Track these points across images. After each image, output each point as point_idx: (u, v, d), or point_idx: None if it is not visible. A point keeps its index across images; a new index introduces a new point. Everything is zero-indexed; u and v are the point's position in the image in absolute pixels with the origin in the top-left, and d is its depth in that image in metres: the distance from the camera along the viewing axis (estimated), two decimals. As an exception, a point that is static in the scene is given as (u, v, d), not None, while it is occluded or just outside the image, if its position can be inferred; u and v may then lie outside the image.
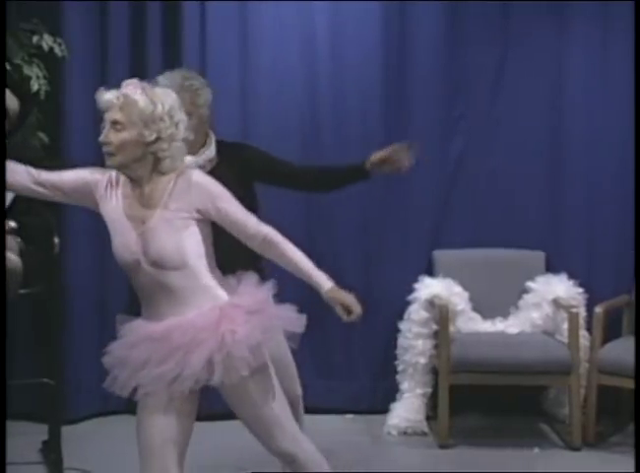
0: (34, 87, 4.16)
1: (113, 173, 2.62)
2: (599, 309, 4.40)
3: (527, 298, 4.63)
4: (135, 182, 2.59)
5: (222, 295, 2.59)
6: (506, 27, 4.80)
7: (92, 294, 4.71)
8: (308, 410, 4.29)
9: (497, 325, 4.61)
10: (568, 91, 4.79)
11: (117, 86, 4.74)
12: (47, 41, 4.23)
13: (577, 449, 4.29)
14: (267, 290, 2.60)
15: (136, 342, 2.56)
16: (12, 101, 3.82)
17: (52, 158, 4.17)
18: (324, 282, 2.62)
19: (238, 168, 3.18)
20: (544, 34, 4.79)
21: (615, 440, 4.43)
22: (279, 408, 2.64)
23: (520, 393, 4.63)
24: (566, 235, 4.79)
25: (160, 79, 3.04)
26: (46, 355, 4.11)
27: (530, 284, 4.64)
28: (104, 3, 4.65)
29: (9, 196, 3.79)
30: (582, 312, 4.49)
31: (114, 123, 2.53)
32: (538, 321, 4.56)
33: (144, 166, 2.56)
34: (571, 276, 4.61)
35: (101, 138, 2.55)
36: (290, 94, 4.76)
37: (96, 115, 4.59)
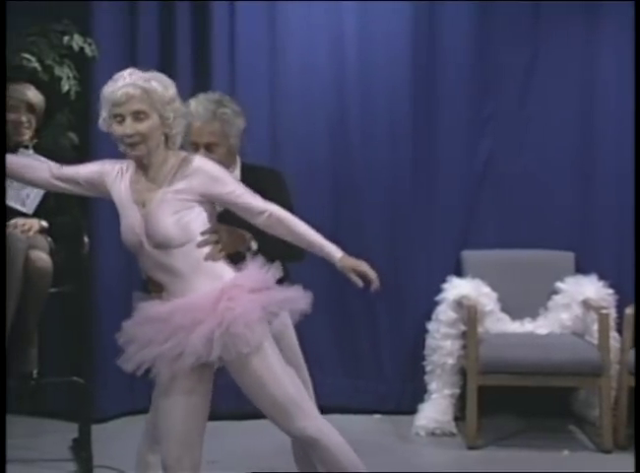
0: (65, 87, 4.20)
1: (124, 163, 2.69)
2: (629, 311, 4.36)
3: (556, 298, 4.60)
4: (143, 168, 2.66)
5: (226, 275, 2.63)
6: (536, 26, 4.78)
7: (121, 293, 4.72)
8: (336, 409, 4.33)
9: (526, 326, 4.58)
10: (599, 91, 4.76)
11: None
12: (78, 42, 4.26)
13: (608, 452, 4.25)
14: (271, 271, 2.64)
15: (143, 321, 2.63)
16: (38, 98, 3.86)
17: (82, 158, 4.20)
18: (335, 252, 2.67)
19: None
20: (575, 34, 4.76)
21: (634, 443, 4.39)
22: (293, 388, 2.66)
23: (549, 394, 4.60)
24: (596, 235, 4.75)
25: (193, 103, 3.00)
26: (76, 353, 4.14)
27: (559, 285, 4.62)
28: (134, 3, 4.67)
29: (38, 195, 3.82)
30: (612, 314, 4.44)
31: (137, 113, 2.58)
32: (567, 322, 4.53)
33: (160, 147, 2.65)
34: (601, 277, 4.57)
35: (127, 131, 2.59)
36: (319, 93, 4.76)
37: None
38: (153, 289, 2.69)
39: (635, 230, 4.38)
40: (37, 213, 3.84)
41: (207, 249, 2.63)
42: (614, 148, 4.75)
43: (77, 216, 3.95)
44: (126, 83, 2.59)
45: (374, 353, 4.80)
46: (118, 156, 4.69)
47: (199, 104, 2.99)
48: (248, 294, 2.59)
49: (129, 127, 2.58)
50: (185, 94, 4.61)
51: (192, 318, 2.55)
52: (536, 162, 4.82)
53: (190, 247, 2.61)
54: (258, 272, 2.64)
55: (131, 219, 2.64)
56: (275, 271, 2.65)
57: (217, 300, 2.57)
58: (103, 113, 2.63)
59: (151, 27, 4.70)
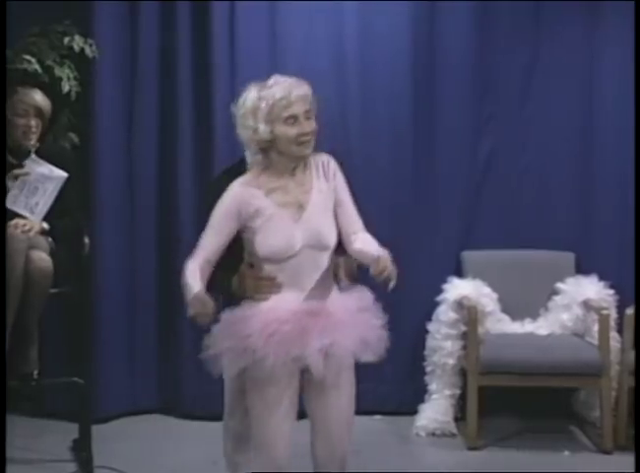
0: (65, 88, 4.20)
1: (242, 183, 2.69)
2: (630, 311, 4.36)
3: (557, 299, 4.59)
4: (287, 171, 2.70)
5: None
6: (536, 26, 4.77)
7: (121, 294, 4.74)
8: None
9: (526, 327, 4.58)
10: (599, 91, 4.76)
11: (147, 86, 4.84)
12: (78, 43, 4.26)
13: (608, 452, 4.25)
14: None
15: (289, 317, 2.62)
16: (45, 102, 3.86)
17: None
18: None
19: None
20: (575, 34, 4.75)
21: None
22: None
23: (550, 395, 4.60)
24: (596, 236, 4.75)
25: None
26: (77, 354, 4.14)
27: (560, 285, 4.61)
28: (134, 4, 4.68)
29: (46, 204, 3.81)
30: (613, 314, 4.44)
31: (307, 112, 2.68)
32: (567, 323, 4.53)
33: None
34: (602, 277, 4.56)
35: (306, 129, 2.66)
36: (319, 94, 4.70)
37: (126, 116, 4.72)
38: (264, 290, 2.69)
39: (635, 230, 4.38)
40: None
41: None
42: (615, 148, 4.74)
43: (78, 218, 3.95)
44: (290, 85, 2.68)
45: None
46: (118, 157, 4.73)
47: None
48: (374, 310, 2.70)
49: (306, 126, 2.67)
50: (185, 94, 4.70)
51: (351, 316, 2.66)
52: (536, 162, 4.82)
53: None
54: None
55: (283, 226, 2.66)
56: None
57: (370, 304, 2.68)
58: (262, 118, 2.64)
59: (151, 27, 4.70)
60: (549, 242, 4.73)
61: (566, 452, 4.27)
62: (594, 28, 4.74)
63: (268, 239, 2.65)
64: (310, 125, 2.68)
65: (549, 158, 4.81)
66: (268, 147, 2.68)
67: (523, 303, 4.61)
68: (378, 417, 4.73)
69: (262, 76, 4.64)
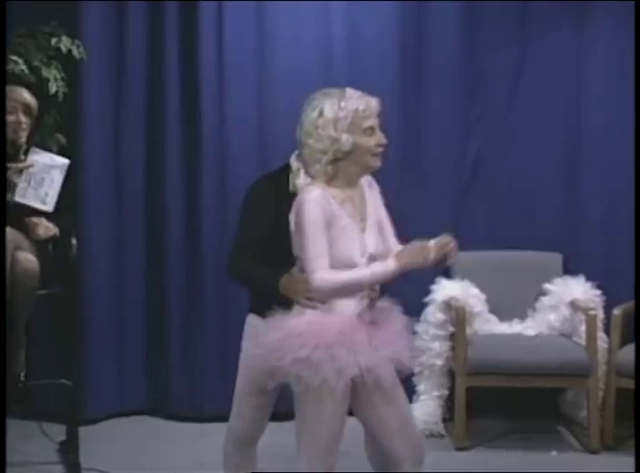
0: (53, 88, 4.19)
1: (321, 197, 2.69)
2: (617, 312, 4.38)
3: (544, 300, 4.61)
4: (345, 184, 2.74)
5: None
6: (524, 27, 4.79)
7: (109, 295, 4.73)
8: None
9: (514, 327, 4.59)
10: (587, 92, 4.77)
11: (134, 86, 4.83)
12: (66, 43, 4.25)
13: (595, 452, 4.27)
14: None
15: (358, 326, 2.66)
16: (33, 100, 3.85)
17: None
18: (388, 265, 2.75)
19: None
20: (563, 34, 4.76)
21: (633, 443, 4.39)
22: None
23: (537, 395, 4.61)
24: (584, 236, 4.76)
25: None
26: (64, 355, 4.13)
27: (547, 286, 4.63)
28: (122, 4, 4.67)
29: (55, 192, 3.79)
30: (600, 315, 4.46)
31: (380, 125, 2.76)
32: (555, 323, 4.54)
33: None
34: (589, 278, 4.58)
35: (382, 140, 2.74)
36: (307, 94, 4.70)
37: (114, 116, 4.71)
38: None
39: (635, 231, 4.38)
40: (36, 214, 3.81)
41: None
42: (602, 149, 4.76)
43: (66, 219, 3.93)
44: (367, 97, 2.77)
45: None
46: (105, 158, 4.72)
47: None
48: None
49: (381, 137, 2.74)
50: (173, 95, 4.69)
51: (403, 328, 2.78)
52: (524, 163, 4.83)
53: None
54: None
55: (355, 237, 2.71)
56: None
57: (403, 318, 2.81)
58: (348, 128, 2.69)
59: (139, 28, 4.69)
60: (537, 243, 4.74)
61: (554, 452, 4.29)
62: (581, 28, 4.75)
63: (343, 249, 2.68)
64: (383, 137, 2.75)
65: (537, 159, 4.82)
66: (341, 157, 2.71)
67: (511, 303, 4.62)
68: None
69: (249, 76, 4.73)
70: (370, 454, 2.98)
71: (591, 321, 4.31)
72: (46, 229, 3.74)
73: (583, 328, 4.38)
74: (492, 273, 4.68)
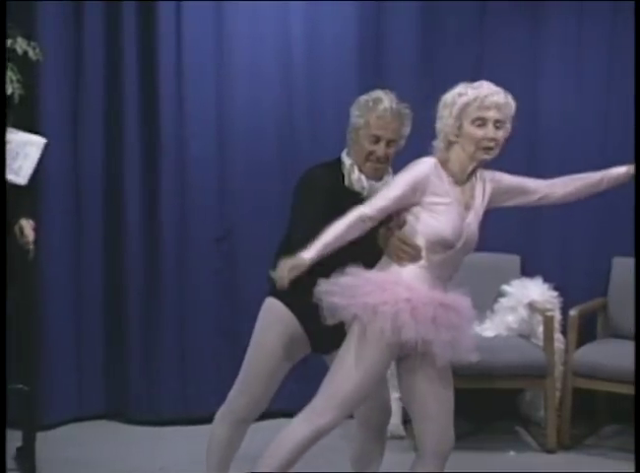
0: (8, 90, 4.12)
1: (433, 165, 2.79)
2: (573, 313, 4.43)
3: (503, 301, 4.65)
4: (457, 169, 2.81)
5: None
6: (482, 26, 4.83)
7: (67, 298, 4.68)
8: (284, 414, 4.31)
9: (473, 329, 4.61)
10: (543, 91, 4.81)
11: (92, 87, 4.78)
12: (21, 45, 4.18)
13: (552, 452, 4.32)
14: None
15: (429, 301, 2.71)
16: None
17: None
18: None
19: None
20: (520, 34, 4.80)
21: (590, 443, 4.47)
22: None
23: (496, 396, 4.65)
24: (541, 238, 4.81)
25: (385, 97, 3.07)
26: (21, 360, 4.08)
27: (505, 287, 4.67)
28: (79, 4, 4.61)
29: (30, 166, 3.74)
30: (557, 316, 4.51)
31: (498, 122, 2.79)
32: (513, 325, 4.58)
33: None
34: (546, 279, 4.64)
35: (490, 135, 2.76)
36: (266, 94, 4.75)
37: (72, 118, 4.66)
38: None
39: (635, 231, 4.41)
40: None
41: None
42: (558, 149, 4.81)
43: (26, 219, 3.87)
44: (492, 91, 2.81)
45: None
46: (63, 160, 4.66)
47: (391, 100, 3.05)
48: None
49: (492, 132, 2.77)
50: (132, 95, 4.65)
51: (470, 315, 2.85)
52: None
53: None
54: None
55: (457, 219, 2.77)
56: None
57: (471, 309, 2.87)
58: (455, 112, 2.78)
59: (96, 28, 4.64)
60: (495, 245, 4.76)
61: (512, 453, 4.33)
62: (537, 28, 4.80)
63: (447, 226, 2.75)
64: (497, 134, 2.77)
65: (494, 159, 4.83)
66: (453, 142, 2.79)
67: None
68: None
69: (208, 76, 4.70)
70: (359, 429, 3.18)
71: (548, 322, 4.36)
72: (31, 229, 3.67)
73: (541, 329, 4.43)
74: (451, 275, 4.69)
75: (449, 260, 2.81)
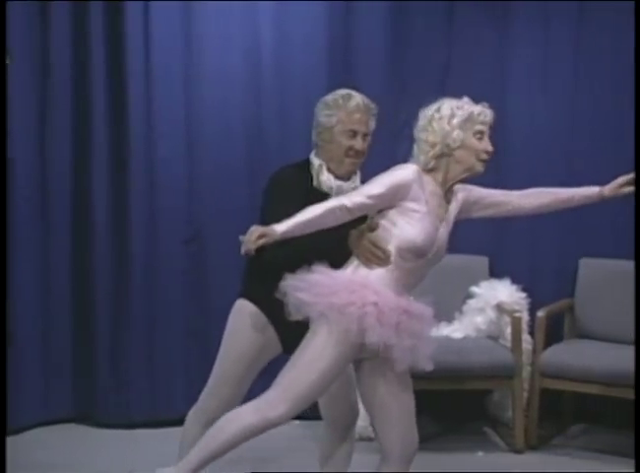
0: (-26, 91, 4.09)
1: (416, 172, 2.81)
2: (540, 314, 4.47)
3: (471, 302, 4.67)
4: (438, 185, 2.84)
5: None
6: (451, 27, 4.85)
7: (34, 300, 4.64)
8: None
9: (442, 330, 4.62)
10: (510, 91, 4.84)
11: (60, 87, 4.74)
12: (-13, 45, 4.15)
13: (520, 452, 4.35)
14: None
15: (395, 307, 2.72)
16: None
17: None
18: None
19: None
20: (487, 35, 4.83)
21: (557, 442, 4.51)
22: None
23: (465, 397, 4.68)
24: (509, 240, 4.84)
25: (357, 96, 3.10)
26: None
27: (474, 289, 4.69)
28: (45, 4, 4.58)
29: None
30: (525, 317, 4.54)
31: (489, 135, 2.90)
32: (482, 326, 4.61)
33: None
34: (514, 281, 4.66)
35: (489, 148, 2.87)
36: (235, 95, 4.74)
37: (39, 118, 4.61)
38: None
39: (635, 232, 4.45)
40: None
41: None
42: (525, 149, 4.84)
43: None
44: (484, 106, 2.90)
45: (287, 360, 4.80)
46: (30, 162, 4.61)
47: (361, 98, 3.09)
48: None
49: (490, 145, 2.87)
50: (100, 96, 4.62)
51: (430, 323, 2.84)
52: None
53: None
54: None
55: (431, 228, 2.79)
56: None
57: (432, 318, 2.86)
58: (461, 125, 2.83)
59: (63, 28, 4.61)
60: (463, 247, 4.78)
61: (480, 453, 4.36)
62: (504, 28, 4.83)
63: (421, 234, 2.76)
64: (490, 146, 2.87)
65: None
66: (447, 154, 2.83)
67: (438, 306, 4.60)
68: (297, 422, 4.72)
69: (176, 77, 4.68)
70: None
71: (516, 323, 4.39)
72: None
73: (509, 330, 4.45)
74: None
75: (417, 269, 2.82)
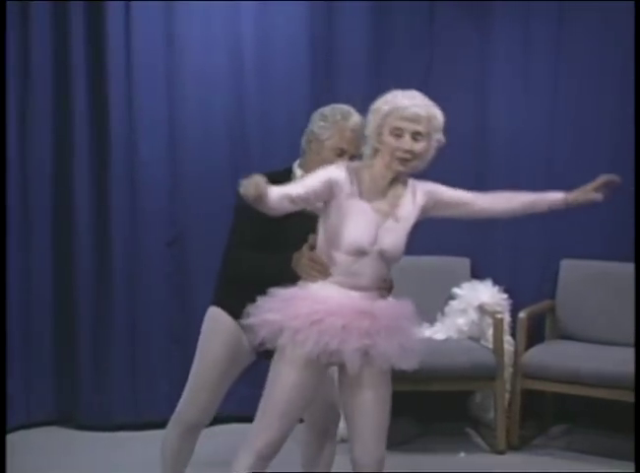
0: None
1: (349, 171, 2.74)
2: (522, 315, 4.48)
3: (453, 304, 4.68)
4: (384, 182, 2.76)
5: None
6: (432, 27, 4.85)
7: (15, 302, 4.61)
8: (236, 418, 4.31)
9: (424, 332, 4.62)
10: (491, 90, 4.85)
11: (40, 88, 4.71)
12: (-33, 45, 4.13)
13: (502, 453, 4.36)
14: None
15: (336, 310, 2.68)
16: None
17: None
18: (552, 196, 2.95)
19: None
20: (469, 35, 4.84)
21: (538, 443, 4.52)
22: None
23: (447, 398, 4.68)
24: (491, 241, 4.84)
25: (355, 114, 3.02)
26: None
27: (456, 290, 4.70)
28: (25, 4, 4.55)
29: None
30: (506, 318, 4.55)
31: (417, 134, 2.74)
32: (464, 327, 4.62)
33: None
34: (495, 282, 4.68)
35: (405, 146, 2.71)
36: (217, 94, 4.73)
37: (19, 118, 4.58)
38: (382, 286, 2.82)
39: (635, 232, 4.45)
40: None
41: None
42: (507, 152, 4.85)
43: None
44: (416, 101, 2.77)
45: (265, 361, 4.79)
46: (10, 160, 4.58)
47: (359, 119, 2.99)
48: None
49: (407, 144, 2.72)
50: (80, 95, 4.60)
51: (396, 322, 2.76)
52: (430, 167, 4.83)
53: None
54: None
55: (369, 225, 2.72)
56: None
57: (401, 316, 2.80)
58: (377, 120, 2.75)
59: (43, 28, 4.59)
60: (445, 248, 4.81)
61: (462, 454, 4.37)
62: (485, 27, 4.84)
63: (357, 231, 2.70)
64: (413, 146, 2.73)
65: (442, 161, 4.81)
66: (377, 149, 2.76)
67: (420, 308, 4.58)
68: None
69: (158, 76, 4.66)
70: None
71: (498, 325, 4.40)
72: None
73: (490, 331, 4.46)
74: (401, 278, 4.57)
75: (364, 267, 2.75)
